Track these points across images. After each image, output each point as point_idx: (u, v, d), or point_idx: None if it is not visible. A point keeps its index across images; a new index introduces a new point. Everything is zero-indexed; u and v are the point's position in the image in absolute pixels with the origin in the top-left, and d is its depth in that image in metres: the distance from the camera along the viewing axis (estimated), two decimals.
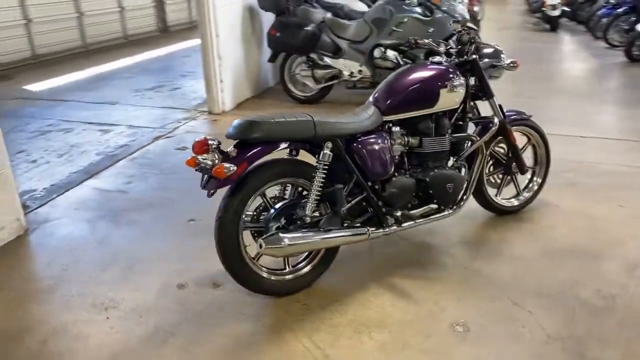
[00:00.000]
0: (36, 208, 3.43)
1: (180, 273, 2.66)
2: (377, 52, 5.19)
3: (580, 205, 3.34)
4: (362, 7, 6.51)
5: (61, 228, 3.17)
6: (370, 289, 2.53)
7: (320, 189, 2.35)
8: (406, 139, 2.63)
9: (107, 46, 9.96)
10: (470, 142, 2.83)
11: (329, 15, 5.67)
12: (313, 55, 5.51)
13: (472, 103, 2.91)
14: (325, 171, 2.35)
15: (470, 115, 2.88)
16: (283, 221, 2.36)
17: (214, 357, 2.12)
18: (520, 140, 3.20)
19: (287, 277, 2.48)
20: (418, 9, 5.22)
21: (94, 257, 2.83)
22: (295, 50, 5.54)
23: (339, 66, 5.49)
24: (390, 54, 5.21)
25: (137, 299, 2.47)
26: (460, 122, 2.84)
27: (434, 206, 2.69)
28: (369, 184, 2.52)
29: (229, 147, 2.21)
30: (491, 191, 3.17)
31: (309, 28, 5.37)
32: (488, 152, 3.03)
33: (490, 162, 3.16)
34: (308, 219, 2.36)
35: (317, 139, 2.33)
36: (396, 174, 2.60)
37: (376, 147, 2.49)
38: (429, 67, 2.70)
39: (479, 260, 2.76)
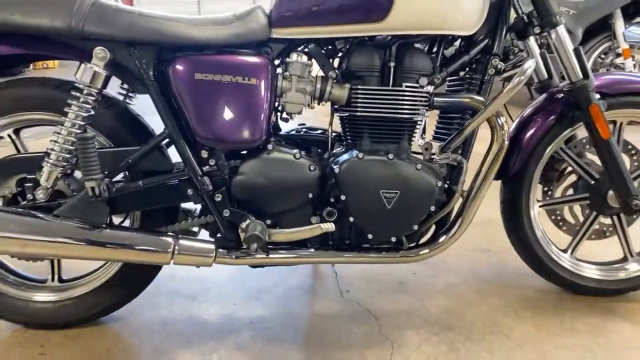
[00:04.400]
0: None
1: None
2: None
3: None
4: None
5: None
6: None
7: (74, 141, 1.20)
8: (320, 84, 1.27)
9: None
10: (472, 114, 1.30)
11: None
12: None
13: (515, 40, 1.39)
14: (87, 105, 1.20)
15: (501, 65, 1.34)
16: (12, 189, 1.27)
17: None
18: None
19: (45, 296, 1.38)
20: None
21: None
22: None
23: None
24: None
25: None
26: (478, 74, 1.34)
27: (327, 226, 1.24)
28: (205, 153, 1.26)
29: None
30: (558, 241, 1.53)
31: None
32: (550, 152, 1.45)
33: (566, 179, 1.55)
34: (41, 194, 1.23)
35: (87, 39, 1.17)
36: (272, 146, 1.27)
37: (225, 79, 1.21)
38: None
39: None
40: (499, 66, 1.34)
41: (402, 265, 1.68)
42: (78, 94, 1.19)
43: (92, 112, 1.21)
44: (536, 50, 1.42)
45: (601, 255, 1.60)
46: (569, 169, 1.54)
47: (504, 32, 1.34)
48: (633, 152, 1.53)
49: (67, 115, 1.19)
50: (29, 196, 1.24)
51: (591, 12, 3.35)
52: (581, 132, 1.46)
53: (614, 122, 1.48)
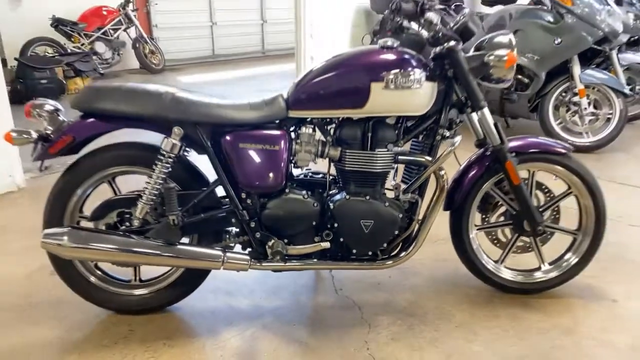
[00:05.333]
0: None
1: None
2: None
3: None
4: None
5: None
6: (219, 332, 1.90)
7: (158, 188, 1.82)
8: (321, 147, 1.89)
9: (284, 54, 10.42)
10: (423, 168, 1.92)
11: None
12: None
13: (459, 116, 2.00)
14: (168, 165, 1.82)
15: (446, 132, 1.95)
16: (113, 218, 1.90)
17: None
18: (558, 186, 2.10)
19: (133, 291, 2.01)
20: (547, 15, 4.02)
21: None
22: None
23: None
24: None
25: None
26: (430, 140, 1.96)
27: (325, 244, 1.87)
28: (244, 195, 1.88)
29: None
30: (494, 254, 2.15)
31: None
32: (483, 192, 2.06)
33: (499, 210, 2.15)
34: (135, 223, 1.86)
35: (168, 121, 1.80)
36: (288, 190, 1.89)
37: (257, 146, 1.84)
38: (370, 50, 1.90)
39: None
40: (444, 134, 1.96)
41: (381, 270, 2.28)
42: (162, 157, 1.81)
43: (171, 169, 1.83)
44: (475, 119, 2.02)
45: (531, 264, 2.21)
46: (500, 202, 2.15)
47: (447, 110, 1.96)
48: (545, 190, 2.13)
49: (154, 171, 1.82)
50: (127, 224, 1.87)
51: (552, 58, 3.95)
52: None
53: (529, 171, 2.09)
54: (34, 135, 1.78)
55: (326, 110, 1.86)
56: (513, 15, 4.20)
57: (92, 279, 1.97)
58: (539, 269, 2.16)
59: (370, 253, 1.93)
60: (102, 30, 7.33)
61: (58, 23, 7.00)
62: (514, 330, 1.95)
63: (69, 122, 1.84)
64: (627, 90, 3.95)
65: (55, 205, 1.88)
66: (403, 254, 1.95)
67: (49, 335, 1.90)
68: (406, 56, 1.84)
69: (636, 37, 5.10)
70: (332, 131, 1.93)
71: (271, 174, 1.85)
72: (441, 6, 5.63)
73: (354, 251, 1.92)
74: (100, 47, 7.30)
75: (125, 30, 7.64)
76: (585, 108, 3.94)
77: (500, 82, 1.97)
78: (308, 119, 1.91)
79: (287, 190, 1.89)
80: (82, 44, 7.12)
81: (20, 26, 6.85)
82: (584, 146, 4.00)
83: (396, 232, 1.91)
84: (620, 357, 1.81)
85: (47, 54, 6.74)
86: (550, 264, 2.16)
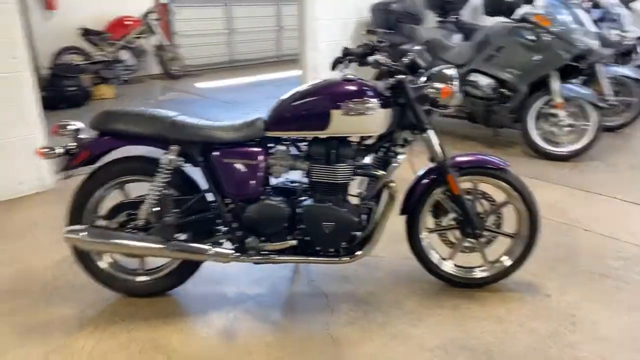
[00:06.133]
0: None
1: None
2: (472, 78, 4.56)
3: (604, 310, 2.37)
4: None
5: None
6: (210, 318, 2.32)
7: (158, 194, 2.24)
8: (292, 161, 2.28)
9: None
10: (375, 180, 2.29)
11: (439, 36, 5.15)
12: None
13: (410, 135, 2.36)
14: (166, 176, 2.23)
15: (399, 149, 2.32)
16: (123, 218, 2.33)
17: None
18: (498, 195, 2.45)
19: (137, 278, 2.44)
20: (528, 34, 4.32)
21: None
22: None
23: None
24: (483, 81, 4.50)
25: None
26: (385, 156, 2.33)
27: (292, 242, 2.27)
28: (228, 201, 2.29)
29: None
30: (443, 252, 2.51)
31: (404, 47, 4.98)
32: (433, 199, 2.42)
33: (451, 215, 2.50)
34: (140, 222, 2.28)
35: (167, 140, 2.22)
36: (263, 197, 2.28)
37: (240, 162, 2.24)
38: (331, 82, 2.28)
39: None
40: (397, 151, 2.33)
41: (345, 265, 2.66)
42: (162, 169, 2.22)
43: (169, 178, 2.25)
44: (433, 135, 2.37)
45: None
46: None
47: (400, 131, 2.33)
48: (490, 199, 2.48)
49: (155, 180, 2.23)
50: (134, 222, 2.29)
51: (532, 73, 4.25)
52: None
53: (473, 182, 2.43)
54: (60, 150, 2.21)
55: (296, 131, 2.25)
56: (496, 33, 4.52)
57: (105, 267, 2.40)
58: (477, 267, 2.51)
59: (332, 250, 2.31)
60: (126, 39, 7.84)
61: (86, 33, 7.54)
62: (454, 317, 2.31)
63: (87, 139, 2.27)
64: (602, 103, 4.23)
65: (76, 205, 2.32)
66: (359, 252, 2.33)
67: (69, 312, 2.34)
68: (363, 87, 2.21)
69: (626, 50, 5.36)
70: (303, 148, 2.32)
71: (250, 184, 2.25)
72: (440, 19, 5.97)
73: (318, 248, 2.30)
74: (124, 54, 7.81)
75: (147, 38, 8.14)
76: (562, 120, 4.24)
77: (446, 108, 2.33)
78: (283, 138, 2.30)
79: (262, 197, 2.28)
80: (107, 52, 7.64)
81: (52, 36, 7.41)
82: (562, 155, 4.30)
83: (353, 233, 2.28)
84: (538, 341, 2.16)
85: (74, 61, 7.29)
86: (491, 262, 2.51)
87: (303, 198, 2.35)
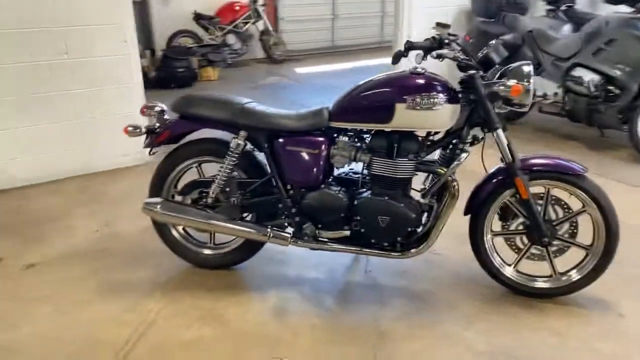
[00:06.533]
0: None
1: None
2: (576, 72, 4.22)
3: None
4: None
5: None
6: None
7: (226, 175, 2.38)
8: (354, 153, 2.31)
9: None
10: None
11: (544, 26, 4.81)
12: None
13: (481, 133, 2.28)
14: (234, 159, 2.37)
15: (467, 147, 2.26)
16: (196, 194, 2.51)
17: None
18: (574, 204, 2.29)
19: (206, 251, 2.62)
20: None
21: None
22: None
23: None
24: (587, 76, 4.14)
25: None
26: (451, 153, 2.27)
27: (346, 233, 2.30)
28: (289, 187, 2.38)
29: None
30: (508, 256, 2.41)
31: (505, 38, 4.72)
32: (500, 201, 2.31)
33: (519, 219, 2.37)
34: (209, 200, 2.44)
35: (237, 125, 2.35)
36: (323, 186, 2.34)
37: (302, 150, 2.32)
38: (398, 75, 2.26)
39: None
40: (464, 148, 2.26)
41: (408, 259, 2.63)
42: (230, 153, 2.36)
43: (237, 161, 2.38)
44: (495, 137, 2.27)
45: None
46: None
47: (469, 128, 2.26)
48: (565, 206, 2.32)
49: (225, 162, 2.38)
50: (205, 200, 2.47)
51: None
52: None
53: (545, 187, 2.29)
54: (144, 129, 2.44)
55: (359, 123, 2.27)
56: (609, 24, 4.12)
57: (179, 237, 2.61)
58: (540, 277, 2.37)
59: (387, 244, 2.32)
60: (234, 24, 8.24)
61: (198, 17, 8.04)
62: (509, 324, 2.22)
63: (170, 120, 2.48)
64: None
65: (157, 180, 2.55)
66: (414, 249, 2.31)
67: (145, 276, 2.60)
68: (430, 81, 2.17)
69: None
70: (366, 140, 2.34)
71: (310, 172, 2.32)
72: (550, 7, 5.56)
73: (373, 240, 2.32)
74: (231, 39, 8.22)
75: (254, 23, 8.48)
76: None
77: (522, 107, 2.22)
78: (347, 129, 2.33)
79: (323, 186, 2.34)
80: (216, 36, 8.09)
81: (169, 20, 8.01)
82: None
83: (409, 229, 2.27)
84: None
85: (186, 44, 7.82)
86: (561, 274, 2.35)
87: (363, 190, 2.37)
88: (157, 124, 2.47)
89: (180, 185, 2.57)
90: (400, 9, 5.17)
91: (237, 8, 8.31)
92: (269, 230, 2.38)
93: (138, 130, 2.43)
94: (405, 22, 5.18)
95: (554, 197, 2.32)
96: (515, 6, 5.17)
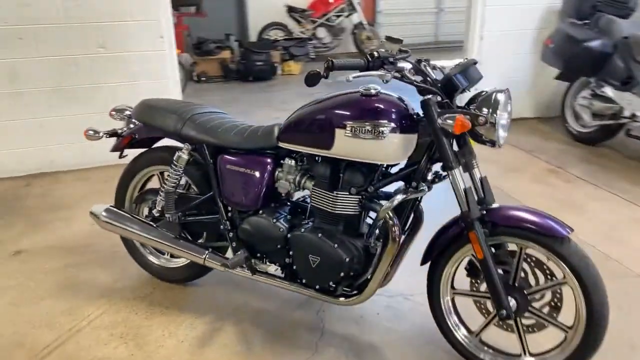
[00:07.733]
0: None
1: None
2: None
3: None
4: None
5: None
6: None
7: (171, 188, 2.25)
8: (299, 178, 2.04)
9: None
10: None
11: None
12: (592, 81, 4.10)
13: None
14: (177, 172, 2.23)
15: (423, 186, 1.87)
16: (149, 204, 2.42)
17: None
18: (556, 271, 1.79)
19: (159, 262, 2.54)
20: None
21: None
22: (568, 70, 4.23)
23: (622, 102, 3.87)
24: None
25: None
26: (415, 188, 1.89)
27: (274, 267, 2.06)
28: (230, 207, 2.18)
29: None
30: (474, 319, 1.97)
31: (592, 44, 3.96)
32: (465, 255, 1.90)
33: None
34: (156, 213, 2.34)
35: (182, 137, 2.21)
36: (262, 211, 2.10)
37: (242, 169, 2.10)
38: (345, 98, 1.92)
39: None
40: (417, 186, 1.87)
41: (367, 303, 2.29)
42: (174, 166, 2.22)
43: (182, 175, 2.24)
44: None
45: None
46: None
47: (426, 162, 1.86)
48: (547, 271, 1.82)
49: (169, 177, 2.25)
50: (153, 212, 2.38)
51: None
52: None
53: (517, 245, 1.80)
54: (101, 135, 2.39)
55: (303, 146, 1.98)
56: None
57: (138, 245, 2.55)
58: (519, 356, 1.89)
59: (317, 287, 2.02)
60: (326, 17, 8.10)
61: (290, 9, 8.03)
62: None
63: (134, 125, 2.41)
64: None
65: (121, 186, 2.51)
66: (354, 298, 1.98)
67: (104, 278, 2.59)
68: (379, 106, 1.82)
69: None
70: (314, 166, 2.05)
71: (248, 194, 2.09)
72: None
73: (304, 280, 2.04)
74: (321, 32, 8.10)
75: (347, 17, 8.25)
76: None
77: (493, 144, 1.77)
78: (292, 151, 2.06)
79: (261, 212, 2.10)
80: (307, 29, 8.02)
81: (263, 12, 8.12)
82: None
83: (343, 274, 1.94)
84: None
85: (277, 37, 7.86)
86: (532, 355, 1.86)
87: (307, 222, 2.09)
88: (122, 129, 2.42)
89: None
90: (473, 5, 4.60)
91: (331, 0, 8.15)
92: (206, 252, 2.21)
93: (97, 135, 2.39)
94: (478, 20, 4.60)
95: (533, 259, 1.83)
96: (617, 6, 4.31)
